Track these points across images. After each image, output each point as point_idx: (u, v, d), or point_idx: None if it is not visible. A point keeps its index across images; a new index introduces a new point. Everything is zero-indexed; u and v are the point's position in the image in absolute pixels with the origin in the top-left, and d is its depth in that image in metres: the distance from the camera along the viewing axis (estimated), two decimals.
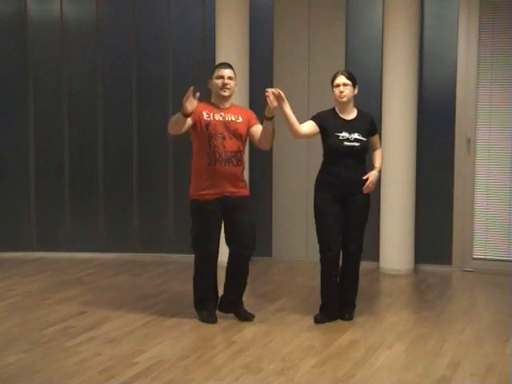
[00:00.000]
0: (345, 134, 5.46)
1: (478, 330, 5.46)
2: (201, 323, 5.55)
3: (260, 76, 7.60)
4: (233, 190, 5.46)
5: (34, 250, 8.04)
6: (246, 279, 5.64)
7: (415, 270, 7.35)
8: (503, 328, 5.48)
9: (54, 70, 7.99)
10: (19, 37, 7.92)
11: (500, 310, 5.99)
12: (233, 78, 5.50)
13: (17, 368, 4.59)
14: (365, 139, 5.51)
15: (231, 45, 7.36)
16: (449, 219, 7.41)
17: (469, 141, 7.30)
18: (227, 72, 5.48)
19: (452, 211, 7.40)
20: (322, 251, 5.59)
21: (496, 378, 4.48)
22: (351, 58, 7.57)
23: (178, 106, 7.83)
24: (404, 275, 7.22)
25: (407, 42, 7.10)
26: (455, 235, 7.39)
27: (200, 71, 7.83)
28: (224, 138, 5.41)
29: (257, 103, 7.21)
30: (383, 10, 7.25)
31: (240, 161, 5.47)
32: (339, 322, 5.60)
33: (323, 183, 5.55)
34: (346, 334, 5.32)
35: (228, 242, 5.57)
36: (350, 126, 5.50)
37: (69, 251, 8.01)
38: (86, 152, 8.06)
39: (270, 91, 5.30)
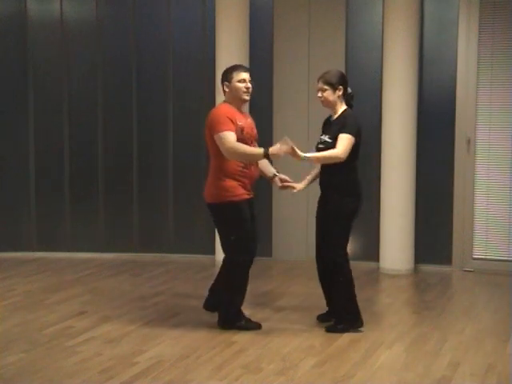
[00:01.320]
0: (321, 137, 5.45)
1: (478, 330, 5.46)
2: (201, 323, 5.55)
3: (260, 76, 7.60)
4: (251, 191, 5.49)
5: (34, 250, 8.04)
6: None
7: (415, 270, 7.35)
8: (503, 328, 5.48)
9: (54, 70, 7.99)
10: (19, 37, 7.91)
11: (500, 310, 5.99)
12: (251, 81, 5.44)
13: (17, 368, 4.59)
14: (330, 141, 5.30)
15: (231, 45, 7.36)
16: (449, 219, 7.41)
17: (469, 141, 7.30)
18: (247, 75, 5.40)
19: (452, 211, 7.39)
20: None
21: (496, 378, 4.48)
22: (351, 57, 7.57)
23: (178, 106, 7.91)
24: (404, 275, 7.22)
25: (407, 41, 7.10)
26: (455, 235, 7.39)
27: (200, 71, 7.83)
28: (252, 142, 5.40)
29: (256, 103, 7.21)
30: (383, 10, 7.24)
31: None
32: None
33: None
34: (346, 333, 5.31)
35: None
36: (328, 128, 5.46)
37: (69, 251, 8.01)
38: (85, 152, 8.06)
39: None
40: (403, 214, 7.24)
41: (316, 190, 7.55)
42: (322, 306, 6.00)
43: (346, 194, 5.35)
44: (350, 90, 5.51)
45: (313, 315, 5.68)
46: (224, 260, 5.41)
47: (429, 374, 4.55)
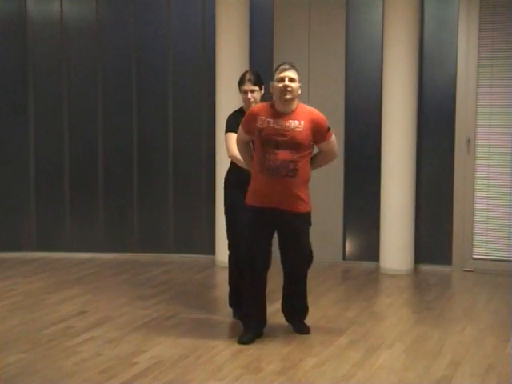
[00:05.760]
0: None
1: (478, 329, 5.46)
2: (201, 323, 5.56)
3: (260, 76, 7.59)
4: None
5: (34, 250, 8.03)
6: None
7: (415, 270, 7.35)
8: (503, 328, 5.48)
9: (53, 71, 7.98)
10: (19, 37, 7.91)
11: (500, 310, 5.99)
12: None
13: (17, 368, 4.59)
14: None
15: (231, 45, 7.36)
16: (449, 219, 7.41)
17: (469, 141, 7.30)
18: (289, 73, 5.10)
19: (452, 211, 7.39)
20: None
21: (496, 378, 4.48)
22: (351, 57, 7.57)
23: (178, 106, 7.91)
24: (404, 275, 7.22)
25: (407, 41, 7.09)
26: (455, 235, 7.39)
27: (200, 71, 7.83)
28: None
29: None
30: (383, 10, 7.24)
31: None
32: (339, 322, 5.61)
33: None
34: (346, 333, 5.32)
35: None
36: None
37: (69, 251, 8.01)
38: (86, 152, 8.05)
39: None
40: (403, 214, 7.24)
41: (316, 191, 7.56)
42: (322, 306, 6.01)
43: None
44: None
45: (312, 315, 5.67)
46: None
47: (429, 373, 4.55)
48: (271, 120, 5.04)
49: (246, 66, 7.37)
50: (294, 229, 5.15)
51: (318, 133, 5.06)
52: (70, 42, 7.96)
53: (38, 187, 8.06)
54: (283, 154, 4.98)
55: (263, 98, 5.53)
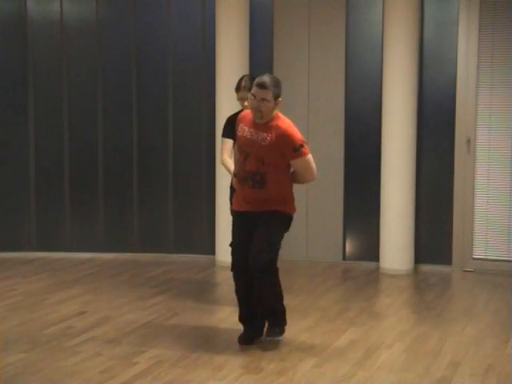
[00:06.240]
0: None
1: (478, 329, 5.46)
2: (201, 323, 5.56)
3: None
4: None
5: (34, 250, 8.03)
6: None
7: (415, 270, 7.35)
8: (503, 328, 5.48)
9: (53, 70, 7.98)
10: (19, 37, 7.91)
11: (500, 310, 5.99)
12: None
13: (17, 368, 4.59)
14: None
15: (231, 44, 7.36)
16: (449, 219, 7.41)
17: (469, 141, 7.30)
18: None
19: (452, 211, 7.39)
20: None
21: (496, 378, 4.48)
22: (351, 57, 7.57)
23: (178, 106, 7.91)
24: (404, 275, 7.22)
25: (407, 41, 7.09)
26: (455, 235, 7.39)
27: (200, 71, 7.83)
28: None
29: None
30: (383, 10, 7.24)
31: None
32: (339, 322, 5.61)
33: None
34: (346, 333, 5.32)
35: None
36: None
37: (69, 251, 8.01)
38: (86, 152, 8.05)
39: None
40: (403, 214, 7.24)
41: (316, 191, 7.57)
42: (322, 306, 6.01)
43: None
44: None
45: (313, 315, 5.67)
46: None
47: (429, 373, 4.55)
48: (247, 129, 5.02)
49: (246, 66, 7.38)
50: (266, 217, 4.98)
51: (285, 149, 4.90)
52: (70, 42, 7.96)
53: (38, 187, 8.05)
54: (250, 165, 4.96)
55: None
